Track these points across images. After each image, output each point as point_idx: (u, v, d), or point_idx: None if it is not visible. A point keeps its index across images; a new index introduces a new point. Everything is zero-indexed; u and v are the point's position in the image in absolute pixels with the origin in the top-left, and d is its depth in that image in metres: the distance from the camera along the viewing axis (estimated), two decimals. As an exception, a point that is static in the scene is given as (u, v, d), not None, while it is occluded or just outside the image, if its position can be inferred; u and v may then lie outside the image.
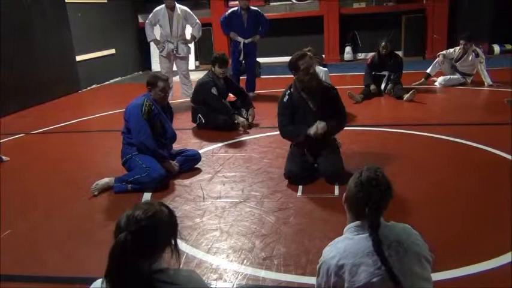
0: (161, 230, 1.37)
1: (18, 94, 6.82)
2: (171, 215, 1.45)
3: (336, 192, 3.28)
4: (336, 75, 7.69)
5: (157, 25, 6.45)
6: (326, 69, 5.60)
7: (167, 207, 1.46)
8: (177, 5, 6.36)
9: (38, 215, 3.29)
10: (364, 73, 6.56)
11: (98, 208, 3.33)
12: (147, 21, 6.46)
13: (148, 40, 6.59)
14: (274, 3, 10.15)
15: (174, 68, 6.67)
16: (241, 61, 6.78)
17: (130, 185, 3.51)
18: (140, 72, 10.66)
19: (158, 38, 6.50)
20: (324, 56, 9.62)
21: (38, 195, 3.66)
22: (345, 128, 4.52)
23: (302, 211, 3.04)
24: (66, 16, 8.03)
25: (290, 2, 10.20)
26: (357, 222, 1.53)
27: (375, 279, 1.41)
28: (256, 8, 6.99)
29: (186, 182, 3.69)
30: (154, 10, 6.42)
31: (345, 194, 1.60)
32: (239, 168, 3.92)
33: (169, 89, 3.95)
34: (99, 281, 1.36)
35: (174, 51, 6.41)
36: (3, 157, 4.51)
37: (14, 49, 6.82)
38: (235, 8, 6.78)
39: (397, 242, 1.47)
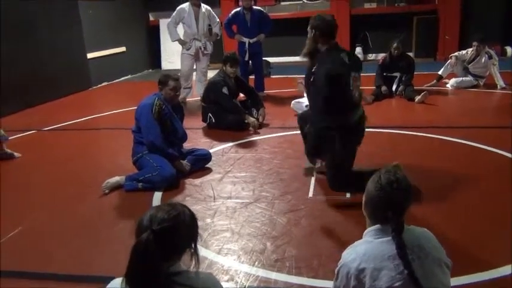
0: (183, 232, 1.36)
1: (29, 91, 6.87)
2: (193, 218, 1.44)
3: (347, 194, 3.26)
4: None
5: (180, 24, 6.45)
6: (337, 69, 5.56)
7: (189, 209, 1.46)
8: (201, 4, 6.40)
9: (48, 212, 3.30)
10: (375, 74, 6.51)
11: (108, 206, 3.33)
12: (170, 21, 6.47)
13: (173, 40, 6.60)
14: (285, 3, 10.12)
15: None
16: (247, 61, 6.77)
17: (141, 184, 3.52)
18: (150, 70, 10.69)
19: (182, 37, 6.51)
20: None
21: (48, 193, 3.68)
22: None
23: (313, 213, 3.02)
24: (77, 13, 8.07)
25: (301, 2, 10.17)
26: (377, 226, 1.50)
27: (397, 284, 1.39)
28: (259, 8, 6.98)
29: (197, 181, 3.69)
30: (178, 8, 6.44)
31: (364, 199, 1.57)
32: (249, 168, 3.91)
33: (180, 88, 3.94)
34: (118, 280, 1.35)
35: (202, 49, 6.45)
36: (15, 153, 4.54)
37: (25, 46, 6.86)
38: (238, 9, 6.76)
39: (418, 246, 1.44)
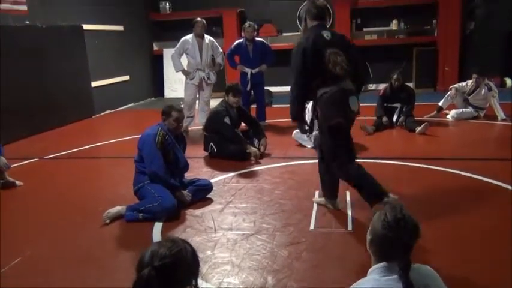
0: (184, 268, 1.37)
1: (33, 118, 6.94)
2: (194, 254, 1.45)
3: (349, 227, 3.24)
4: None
5: (184, 54, 6.58)
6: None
7: (190, 245, 1.46)
8: (205, 35, 6.54)
9: (49, 241, 3.29)
10: (376, 104, 6.57)
11: (109, 236, 3.31)
12: (174, 52, 6.60)
13: (177, 70, 6.72)
14: (287, 34, 10.29)
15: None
16: (249, 91, 6.85)
17: (141, 214, 3.50)
18: (153, 98, 10.80)
19: (185, 68, 6.63)
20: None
21: (49, 221, 3.66)
22: (357, 160, 4.52)
23: (315, 246, 3.00)
24: (83, 43, 8.22)
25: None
26: (384, 264, 1.49)
27: None
28: (261, 39, 7.10)
29: (198, 212, 3.68)
30: (182, 39, 6.57)
31: (369, 236, 1.56)
32: (251, 199, 3.91)
33: (183, 119, 3.98)
34: None
35: (206, 79, 6.55)
36: (17, 182, 4.55)
37: (31, 73, 6.97)
38: (241, 40, 6.89)
39: (424, 285, 1.44)
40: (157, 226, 3.41)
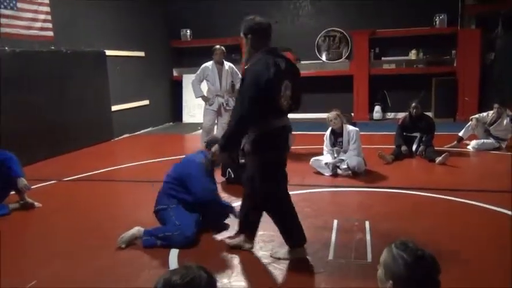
0: None
1: (53, 140, 7.05)
2: (211, 280, 1.41)
3: (369, 258, 3.17)
4: (365, 134, 7.66)
5: (204, 81, 6.68)
6: (357, 129, 5.61)
7: (206, 271, 1.43)
8: (224, 61, 6.64)
9: (64, 264, 3.28)
10: (394, 133, 6.52)
11: (124, 261, 3.28)
12: (194, 78, 6.73)
13: (196, 97, 6.84)
14: (305, 62, 10.37)
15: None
16: None
17: (159, 241, 3.48)
18: (171, 123, 10.91)
19: (205, 94, 6.72)
20: (352, 114, 9.68)
21: (65, 244, 3.66)
22: (374, 190, 4.47)
23: (334, 277, 2.92)
24: (105, 68, 8.41)
25: (321, 61, 10.43)
26: None
27: None
28: None
29: (215, 237, 3.64)
30: (203, 66, 6.69)
31: (390, 281, 1.51)
32: (268, 226, 3.84)
33: None
34: None
35: (224, 105, 6.62)
36: (36, 203, 4.59)
37: (53, 96, 7.13)
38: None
39: None
40: (174, 251, 3.38)
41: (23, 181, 4.43)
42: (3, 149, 4.62)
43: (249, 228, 3.38)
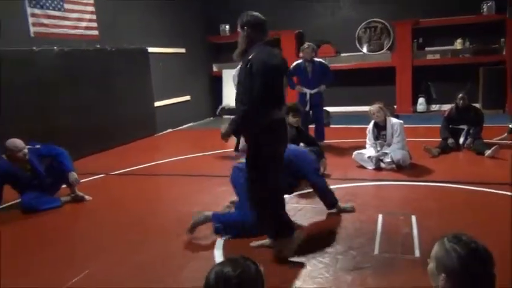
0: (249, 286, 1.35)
1: (100, 136, 7.31)
2: (258, 271, 1.43)
3: (417, 253, 3.10)
4: (409, 126, 7.47)
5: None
6: (401, 121, 5.48)
7: (254, 262, 1.45)
8: None
9: (113, 256, 3.39)
10: (440, 126, 6.32)
11: (171, 253, 3.35)
12: (235, 73, 6.69)
13: None
14: (345, 54, 10.23)
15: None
16: (308, 112, 6.82)
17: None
18: (211, 118, 11.05)
19: None
20: (395, 106, 9.47)
21: (112, 236, 3.79)
22: (420, 184, 4.35)
23: (380, 272, 2.88)
24: (148, 64, 8.61)
25: (361, 53, 10.25)
26: None
27: None
28: (320, 59, 7.08)
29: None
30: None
31: (443, 275, 1.48)
32: (310, 220, 3.85)
33: None
34: None
35: None
36: (86, 196, 4.77)
37: (100, 94, 7.38)
38: (299, 61, 6.90)
39: None
40: (219, 244, 3.43)
41: (73, 175, 4.62)
42: (55, 145, 4.82)
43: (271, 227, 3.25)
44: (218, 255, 3.25)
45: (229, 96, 10.57)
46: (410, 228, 3.50)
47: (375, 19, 10.14)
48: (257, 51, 2.96)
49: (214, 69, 11.31)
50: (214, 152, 6.59)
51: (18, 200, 4.65)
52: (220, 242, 3.46)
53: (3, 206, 4.66)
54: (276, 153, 3.09)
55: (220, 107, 10.68)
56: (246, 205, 3.32)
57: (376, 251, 3.17)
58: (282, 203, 3.22)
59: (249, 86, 2.89)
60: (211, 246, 3.39)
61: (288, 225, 3.18)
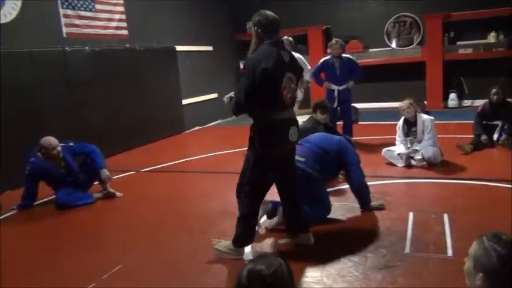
0: (283, 286, 1.34)
1: (130, 133, 7.45)
2: (289, 270, 1.43)
3: (449, 252, 3.03)
4: (440, 122, 7.30)
5: None
6: (432, 117, 5.36)
7: (284, 261, 1.45)
8: (292, 52, 6.59)
9: (142, 253, 3.44)
10: (473, 122, 6.15)
11: (200, 251, 3.36)
12: None
13: None
14: (374, 50, 10.08)
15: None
16: (336, 108, 6.75)
17: None
18: (234, 117, 11.07)
19: None
20: (426, 102, 9.27)
21: (143, 233, 3.86)
22: (452, 181, 4.26)
23: (411, 271, 2.84)
24: (176, 63, 8.71)
25: (390, 49, 10.07)
26: None
27: None
28: (348, 55, 6.98)
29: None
30: None
31: (480, 274, 1.44)
32: (339, 218, 3.81)
33: None
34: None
35: None
36: (117, 193, 4.88)
37: (130, 92, 7.51)
38: (327, 57, 6.82)
39: None
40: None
41: (105, 172, 4.73)
42: (87, 143, 4.94)
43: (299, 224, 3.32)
44: (247, 250, 3.26)
45: (256, 94, 10.61)
46: (443, 227, 3.43)
47: (404, 13, 9.95)
48: (258, 51, 2.96)
49: (241, 66, 11.31)
50: (242, 149, 6.59)
51: (52, 197, 4.80)
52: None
53: (39, 202, 4.82)
54: (272, 154, 3.05)
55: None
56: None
57: (407, 250, 3.12)
58: (255, 210, 3.17)
59: (239, 86, 2.98)
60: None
61: (243, 237, 3.14)
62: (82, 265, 3.29)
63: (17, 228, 4.23)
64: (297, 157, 3.48)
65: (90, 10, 7.01)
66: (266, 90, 2.89)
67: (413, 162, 5.25)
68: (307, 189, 3.55)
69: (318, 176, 3.67)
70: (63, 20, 6.55)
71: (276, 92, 2.91)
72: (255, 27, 3.03)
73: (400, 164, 5.27)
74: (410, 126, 5.36)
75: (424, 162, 5.15)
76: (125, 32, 7.70)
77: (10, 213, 4.57)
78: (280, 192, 3.30)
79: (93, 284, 2.95)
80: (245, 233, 3.13)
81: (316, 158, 3.72)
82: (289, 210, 3.32)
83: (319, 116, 5.15)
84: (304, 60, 6.75)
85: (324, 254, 3.15)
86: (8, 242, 3.81)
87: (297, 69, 3.10)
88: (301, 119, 5.69)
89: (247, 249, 3.28)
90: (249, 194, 3.10)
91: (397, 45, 10.07)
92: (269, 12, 3.06)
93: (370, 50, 10.11)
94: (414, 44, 9.94)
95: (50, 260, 3.45)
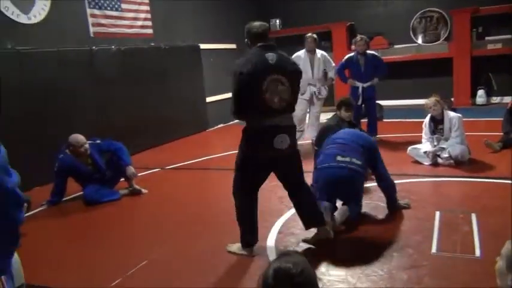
0: (310, 285, 1.34)
1: (155, 131, 7.55)
2: (313, 271, 1.43)
3: (477, 253, 2.97)
4: (468, 120, 7.13)
5: None
6: (459, 115, 5.25)
7: (307, 260, 1.44)
8: (316, 50, 6.59)
9: (169, 247, 3.50)
10: (502, 119, 5.99)
11: (222, 247, 3.37)
12: None
13: None
14: (399, 46, 9.92)
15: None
16: (360, 105, 6.69)
17: None
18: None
19: None
20: (453, 99, 9.08)
21: (169, 228, 3.92)
22: (481, 180, 4.16)
23: (438, 272, 2.79)
24: (200, 61, 8.77)
25: (416, 44, 9.89)
26: None
27: None
28: (373, 52, 6.89)
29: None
30: (294, 56, 6.68)
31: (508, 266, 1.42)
32: (364, 216, 3.78)
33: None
34: None
35: (317, 93, 6.59)
36: (143, 189, 4.95)
37: (155, 91, 7.61)
38: (352, 54, 6.76)
39: None
40: (271, 238, 3.45)
41: (131, 169, 4.81)
42: (113, 140, 5.03)
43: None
44: (270, 248, 3.29)
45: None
46: (470, 227, 3.36)
47: (430, 8, 9.75)
48: (242, 56, 3.01)
49: (264, 64, 11.31)
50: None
51: (80, 193, 4.91)
52: (273, 233, 3.49)
53: (67, 198, 4.94)
54: (255, 161, 3.07)
55: None
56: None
57: (434, 250, 3.07)
58: (247, 209, 3.20)
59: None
60: (262, 239, 3.41)
61: (245, 236, 3.19)
62: (108, 260, 3.36)
63: (46, 224, 4.35)
64: (339, 157, 3.54)
65: (117, 10, 7.12)
66: (245, 94, 2.88)
67: (440, 160, 5.15)
68: (354, 188, 3.54)
69: (362, 172, 3.62)
70: (90, 20, 6.68)
71: (256, 95, 2.86)
72: (246, 39, 3.12)
73: (427, 162, 5.19)
74: (436, 123, 5.27)
75: (451, 161, 5.05)
76: (150, 30, 7.79)
77: (39, 209, 4.69)
78: (287, 190, 3.30)
79: (119, 279, 3.01)
80: (245, 231, 3.19)
81: (357, 154, 3.65)
82: (300, 207, 3.30)
83: (344, 113, 5.10)
84: (328, 57, 6.71)
85: (348, 253, 3.14)
86: (38, 237, 3.92)
87: (287, 70, 2.97)
88: (325, 116, 5.68)
89: (271, 246, 3.29)
90: (238, 194, 3.19)
91: (423, 41, 9.88)
92: (256, 23, 3.10)
93: (395, 46, 9.95)
94: (441, 40, 9.73)
95: (78, 254, 3.53)
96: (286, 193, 4.08)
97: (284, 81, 2.93)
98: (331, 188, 3.56)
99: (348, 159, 3.56)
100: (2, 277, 1.17)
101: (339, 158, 3.57)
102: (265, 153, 3.03)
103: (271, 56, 2.92)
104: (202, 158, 6.50)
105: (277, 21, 10.92)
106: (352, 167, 3.52)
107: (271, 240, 3.42)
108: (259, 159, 3.07)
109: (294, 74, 3.05)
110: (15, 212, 1.09)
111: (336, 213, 3.53)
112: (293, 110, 3.15)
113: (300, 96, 6.78)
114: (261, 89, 2.85)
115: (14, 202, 1.07)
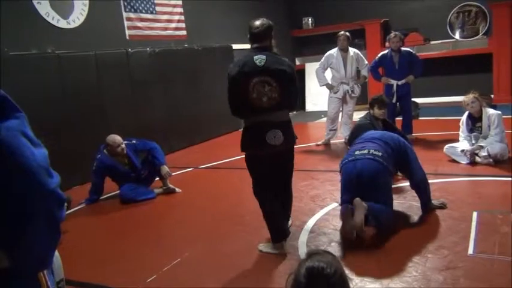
0: (344, 285, 1.33)
1: (189, 131, 7.67)
2: (344, 270, 1.42)
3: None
4: (508, 117, 6.89)
5: (328, 68, 6.66)
6: (499, 112, 5.08)
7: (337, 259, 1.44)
8: (349, 48, 6.54)
9: (202, 246, 3.56)
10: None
11: (255, 245, 3.41)
12: (318, 66, 6.74)
13: (321, 85, 6.83)
14: (436, 42, 9.67)
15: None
16: (395, 103, 6.56)
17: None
18: (295, 112, 11.04)
19: (329, 82, 6.69)
20: (492, 96, 8.77)
21: (202, 227, 3.98)
22: None
23: (474, 273, 2.72)
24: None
25: (453, 40, 9.62)
26: None
27: None
28: (407, 49, 6.75)
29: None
30: (327, 54, 6.68)
31: None
32: (398, 216, 3.72)
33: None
34: None
35: (350, 92, 6.55)
36: (177, 189, 5.05)
37: (190, 91, 7.73)
38: (385, 51, 6.64)
39: None
40: (303, 237, 3.45)
41: (165, 168, 4.91)
42: (147, 140, 5.15)
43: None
44: (302, 247, 3.29)
45: (312, 90, 10.53)
46: (510, 228, 3.25)
47: (469, 2, 9.46)
48: (236, 59, 3.22)
49: (298, 62, 11.28)
50: (299, 145, 6.59)
51: (117, 192, 5.05)
52: (304, 233, 3.49)
53: (104, 196, 5.10)
54: (256, 157, 3.22)
55: None
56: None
57: (471, 251, 2.99)
58: (270, 206, 3.25)
59: None
60: (294, 238, 3.42)
61: (274, 231, 3.23)
62: (144, 257, 3.45)
63: (85, 221, 4.51)
64: (357, 152, 3.50)
65: (151, 12, 7.28)
66: (235, 95, 3.10)
67: (478, 159, 5.00)
68: (375, 179, 3.39)
69: (386, 165, 3.46)
70: (126, 23, 6.86)
71: (245, 96, 3.03)
72: (248, 38, 3.25)
73: (464, 161, 5.04)
74: (475, 121, 5.12)
75: (490, 159, 4.90)
76: (184, 32, 7.92)
77: (79, 207, 4.87)
78: (271, 190, 3.32)
79: (154, 276, 3.09)
80: (274, 227, 3.23)
81: (379, 147, 3.55)
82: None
83: (377, 111, 5.03)
84: (361, 55, 6.63)
85: (382, 254, 3.10)
86: (77, 234, 4.07)
87: (275, 71, 3.05)
88: (358, 115, 5.61)
89: (302, 246, 3.30)
90: (257, 192, 3.32)
91: (461, 37, 9.59)
92: (256, 22, 3.19)
93: (432, 42, 9.71)
94: (480, 35, 9.42)
95: (114, 251, 3.64)
96: (318, 192, 4.12)
97: (271, 82, 3.04)
98: (350, 184, 3.41)
99: (365, 151, 3.47)
100: (44, 271, 1.23)
101: (357, 152, 3.51)
102: (260, 150, 3.15)
103: (259, 59, 3.05)
104: (235, 158, 6.53)
105: (310, 19, 10.87)
106: (370, 157, 3.40)
107: (302, 240, 3.42)
108: (259, 156, 3.20)
109: (282, 74, 3.10)
110: (58, 211, 1.15)
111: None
112: (289, 107, 3.22)
113: (332, 94, 6.81)
114: (248, 90, 3.02)
115: (56, 202, 1.13)
